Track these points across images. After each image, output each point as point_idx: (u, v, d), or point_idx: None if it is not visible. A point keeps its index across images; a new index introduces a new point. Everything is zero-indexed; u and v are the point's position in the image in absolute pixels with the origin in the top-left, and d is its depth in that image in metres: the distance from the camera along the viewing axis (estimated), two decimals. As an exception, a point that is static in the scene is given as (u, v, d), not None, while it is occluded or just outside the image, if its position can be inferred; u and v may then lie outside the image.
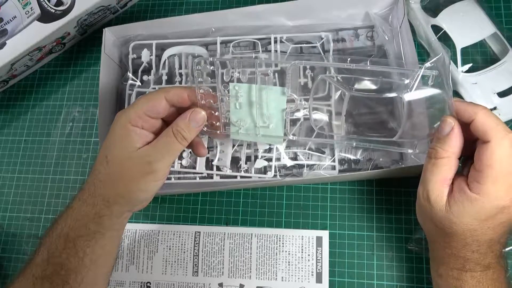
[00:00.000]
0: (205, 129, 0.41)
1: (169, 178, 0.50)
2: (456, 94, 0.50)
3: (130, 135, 0.37)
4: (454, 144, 0.35)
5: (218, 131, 0.42)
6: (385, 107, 0.46)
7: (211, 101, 0.40)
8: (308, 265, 0.49)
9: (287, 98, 0.40)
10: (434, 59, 0.37)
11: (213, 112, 0.41)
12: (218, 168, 0.50)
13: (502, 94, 0.48)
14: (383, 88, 0.41)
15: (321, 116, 0.47)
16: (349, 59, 0.39)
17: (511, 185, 0.33)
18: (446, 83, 0.37)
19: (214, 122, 0.41)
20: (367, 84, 0.42)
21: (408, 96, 0.39)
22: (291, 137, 0.42)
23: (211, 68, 0.41)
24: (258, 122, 0.41)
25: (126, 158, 0.37)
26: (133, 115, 0.38)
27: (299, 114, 0.46)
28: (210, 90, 0.39)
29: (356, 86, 0.42)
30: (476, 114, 0.34)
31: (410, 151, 0.42)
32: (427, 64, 0.37)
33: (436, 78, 0.37)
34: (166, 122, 0.40)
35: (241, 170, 0.49)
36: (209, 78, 0.44)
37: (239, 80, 0.40)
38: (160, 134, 0.38)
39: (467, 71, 0.49)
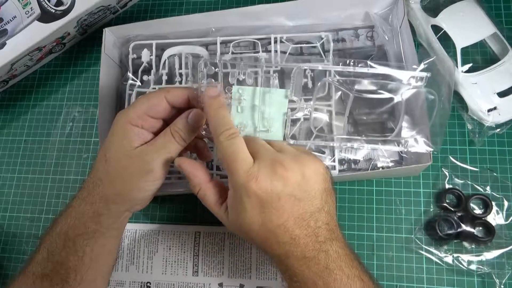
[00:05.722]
0: (203, 132, 0.40)
1: (169, 178, 0.50)
2: (456, 94, 0.50)
3: (129, 134, 0.38)
4: None
5: None
6: (384, 107, 0.47)
7: None
8: (308, 265, 0.49)
9: (290, 102, 0.40)
10: (427, 61, 0.38)
11: None
12: (218, 168, 0.50)
13: (502, 94, 0.48)
14: (382, 89, 0.42)
15: (321, 117, 0.47)
16: (349, 61, 0.40)
17: None
18: (442, 86, 0.37)
19: None
20: (366, 85, 0.42)
21: (402, 96, 0.40)
22: (291, 141, 0.42)
23: (216, 70, 0.41)
24: (258, 126, 0.40)
25: (124, 156, 0.37)
26: (133, 114, 0.38)
27: (299, 114, 0.45)
28: None
29: (356, 87, 0.42)
30: None
31: (397, 149, 0.42)
32: (422, 66, 0.39)
33: (430, 80, 0.38)
34: (167, 123, 0.40)
35: (241, 170, 0.49)
36: (213, 80, 0.44)
37: (244, 83, 0.40)
38: (159, 134, 0.38)
39: (467, 71, 0.49)
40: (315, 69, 0.49)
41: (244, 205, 0.33)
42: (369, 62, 0.40)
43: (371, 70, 0.39)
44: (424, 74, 0.39)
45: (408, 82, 0.40)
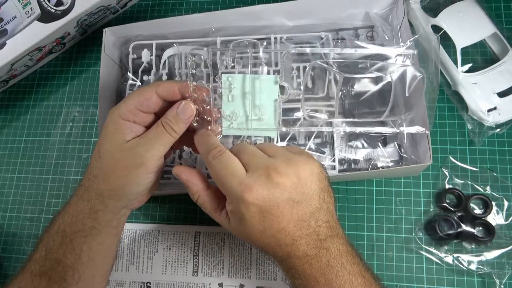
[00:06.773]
0: (195, 124, 0.40)
1: (168, 178, 0.50)
2: (456, 94, 0.50)
3: (121, 128, 0.38)
4: None
5: (210, 127, 0.41)
6: (375, 90, 0.47)
7: (204, 94, 0.39)
8: (308, 265, 0.49)
9: (282, 97, 0.40)
10: (412, 39, 0.40)
11: (205, 106, 0.40)
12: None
13: (502, 94, 0.48)
14: (372, 70, 0.43)
15: (319, 117, 0.47)
16: (336, 42, 0.40)
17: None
18: (429, 64, 0.39)
19: (205, 117, 0.41)
20: (356, 65, 0.43)
21: (391, 76, 0.41)
22: (284, 129, 0.42)
23: (205, 58, 0.41)
24: (250, 115, 0.40)
25: (117, 150, 0.38)
26: (124, 109, 0.38)
27: (299, 114, 0.46)
28: (203, 82, 0.39)
29: (347, 74, 0.43)
30: None
31: (390, 130, 0.43)
32: (408, 44, 0.40)
33: (419, 58, 0.39)
34: (159, 117, 0.40)
35: (241, 170, 0.49)
36: (203, 70, 0.44)
37: (233, 71, 0.40)
38: (151, 127, 0.39)
39: (467, 71, 0.49)
40: (315, 69, 0.49)
41: (243, 215, 0.33)
42: (357, 42, 0.40)
43: (359, 51, 0.40)
44: (410, 51, 0.39)
45: (396, 61, 0.41)
